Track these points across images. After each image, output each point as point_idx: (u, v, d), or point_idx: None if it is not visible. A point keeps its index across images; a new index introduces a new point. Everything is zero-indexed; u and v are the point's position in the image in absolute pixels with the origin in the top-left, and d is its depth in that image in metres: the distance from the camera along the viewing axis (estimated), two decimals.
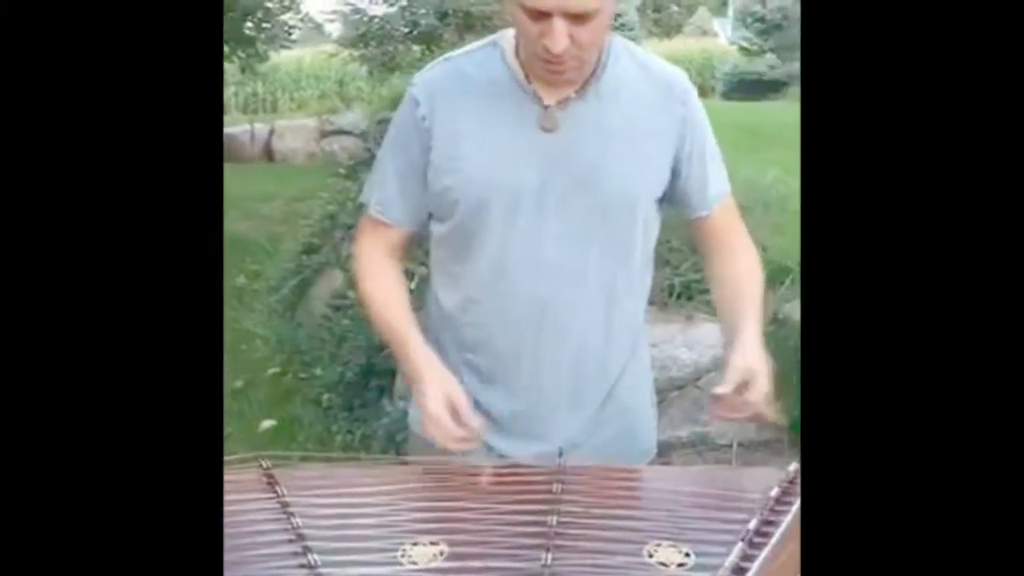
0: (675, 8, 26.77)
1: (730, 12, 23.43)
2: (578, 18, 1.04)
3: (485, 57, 1.20)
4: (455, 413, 1.11)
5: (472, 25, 8.31)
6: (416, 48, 8.32)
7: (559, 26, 1.04)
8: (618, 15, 11.65)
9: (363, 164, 4.56)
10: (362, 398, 2.81)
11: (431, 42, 8.02)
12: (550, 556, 0.86)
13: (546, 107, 1.16)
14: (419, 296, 1.51)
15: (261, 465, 1.05)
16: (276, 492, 0.99)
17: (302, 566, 0.85)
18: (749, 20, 15.32)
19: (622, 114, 1.18)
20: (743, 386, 1.11)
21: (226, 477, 1.06)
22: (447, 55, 1.25)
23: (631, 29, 11.33)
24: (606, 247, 1.19)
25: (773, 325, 2.16)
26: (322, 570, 0.84)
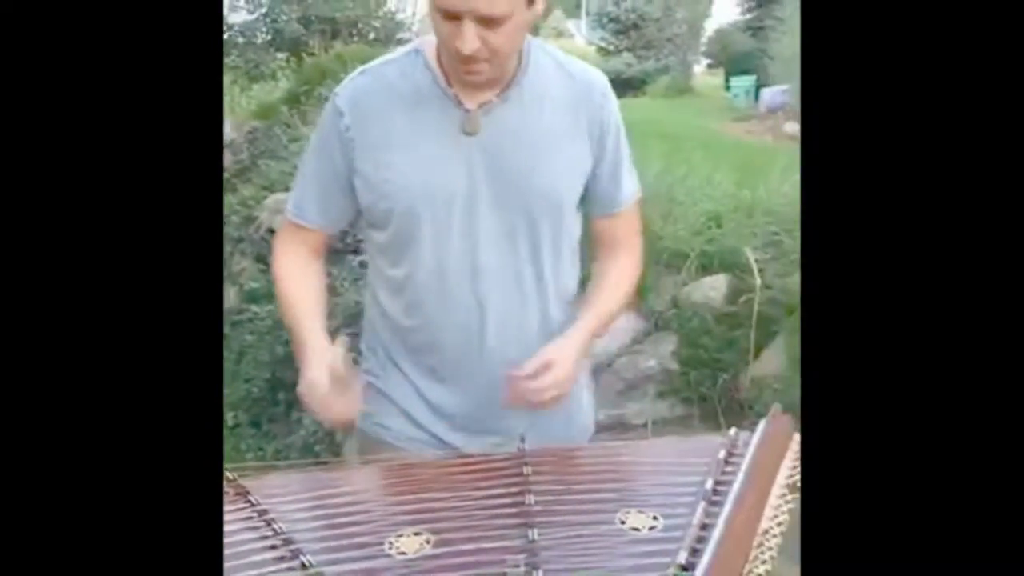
0: None
1: (583, 13, 24.15)
2: (488, 22, 1.08)
3: (408, 64, 1.23)
4: (338, 382, 1.14)
5: (338, 32, 8.22)
6: (280, 56, 8.15)
7: (469, 28, 1.08)
8: None
9: (236, 176, 4.44)
10: (270, 413, 2.76)
11: (296, 49, 7.88)
12: (535, 531, 0.91)
13: (467, 111, 1.20)
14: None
15: (228, 477, 1.05)
16: (250, 502, 0.99)
17: (301, 566, 0.86)
18: (605, 20, 15.85)
19: (544, 116, 1.23)
20: (542, 367, 1.18)
21: None
22: (368, 64, 1.27)
23: None
24: (536, 246, 1.25)
25: (674, 308, 2.29)
26: (320, 568, 0.85)
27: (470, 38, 1.08)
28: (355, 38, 8.24)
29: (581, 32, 22.86)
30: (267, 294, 2.93)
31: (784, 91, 7.14)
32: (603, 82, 1.29)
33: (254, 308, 2.93)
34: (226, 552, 0.91)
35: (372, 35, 8.94)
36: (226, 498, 1.02)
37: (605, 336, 2.53)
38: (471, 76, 1.15)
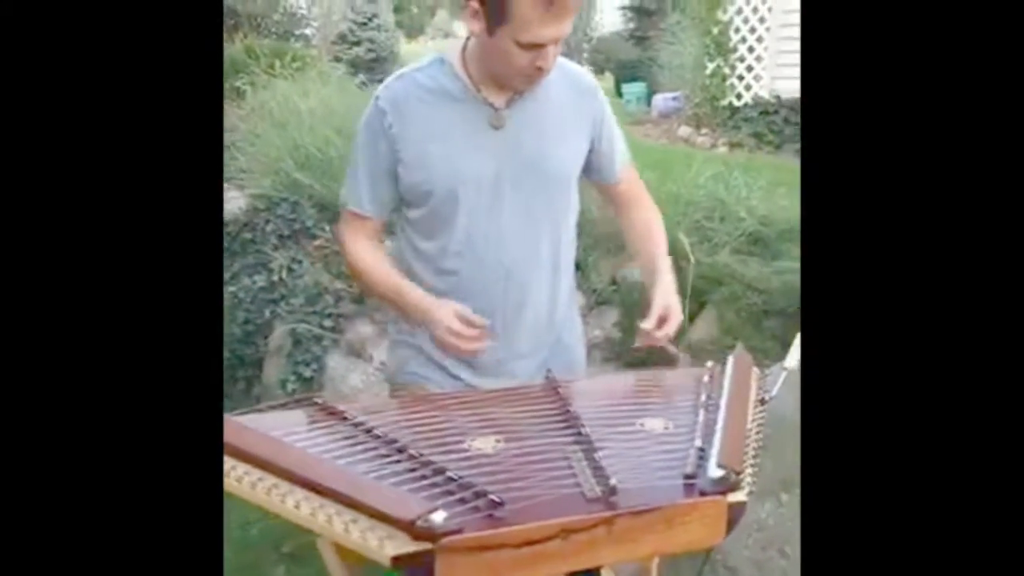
0: (415, 10, 27.40)
1: None
2: (558, 42, 1.35)
3: (435, 71, 1.47)
4: (464, 320, 1.38)
5: (240, 24, 8.15)
6: None
7: (551, 51, 1.34)
8: (374, 16, 11.61)
9: None
10: (230, 391, 2.88)
11: None
12: (586, 428, 1.16)
13: (496, 109, 1.45)
14: None
15: (316, 402, 1.25)
16: (346, 417, 1.20)
17: (410, 458, 1.08)
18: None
19: (552, 110, 1.49)
20: (662, 319, 1.46)
21: (286, 415, 1.26)
22: (401, 71, 1.50)
23: (387, 30, 11.55)
24: (551, 219, 1.51)
25: (613, 287, 2.59)
26: (429, 458, 1.07)
27: (552, 59, 1.35)
28: (257, 32, 8.20)
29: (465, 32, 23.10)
30: None
31: (675, 97, 7.62)
32: (591, 78, 1.57)
33: None
34: (348, 458, 1.10)
35: (273, 29, 8.91)
36: (320, 418, 1.22)
37: None
38: (533, 84, 1.40)
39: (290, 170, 3.38)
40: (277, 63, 5.43)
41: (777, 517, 2.01)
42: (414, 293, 1.44)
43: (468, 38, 1.44)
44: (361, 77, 7.08)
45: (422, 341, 1.52)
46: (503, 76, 1.41)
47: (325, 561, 1.21)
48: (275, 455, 1.06)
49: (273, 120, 4.08)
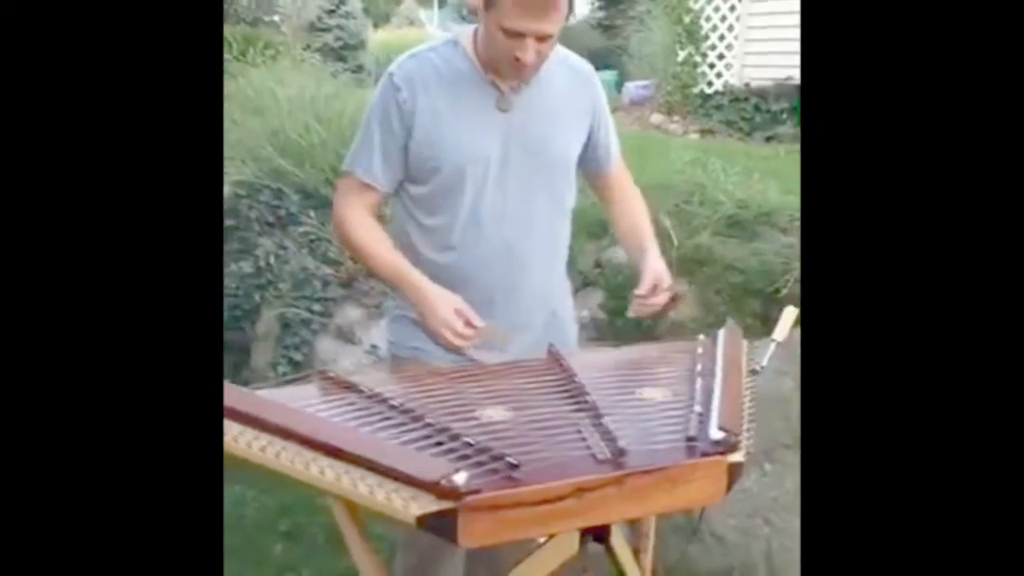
0: None
1: (435, 2, 24.42)
2: (543, 39, 1.40)
3: (447, 52, 1.52)
4: (462, 317, 1.43)
5: None
6: None
7: (531, 44, 1.39)
8: (341, 3, 11.49)
9: None
10: None
11: None
12: (592, 397, 1.22)
13: (502, 93, 1.50)
14: None
15: (330, 376, 1.29)
16: (360, 389, 1.25)
17: (426, 426, 1.13)
18: (464, 12, 16.20)
19: (556, 96, 1.55)
20: (654, 286, 1.53)
21: (299, 388, 1.31)
22: (414, 49, 1.54)
23: (355, 18, 11.49)
24: (551, 199, 1.56)
25: (597, 269, 2.65)
26: (448, 425, 1.12)
27: (531, 52, 1.39)
28: (225, 18, 8.14)
29: (433, 23, 23.03)
30: None
31: (646, 86, 7.70)
32: (590, 68, 1.63)
33: None
34: (367, 427, 1.15)
35: (242, 15, 8.85)
36: (335, 390, 1.26)
37: None
38: (520, 76, 1.45)
39: (271, 157, 3.39)
40: (250, 50, 5.41)
41: (761, 486, 2.09)
42: (414, 276, 1.48)
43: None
44: (331, 65, 7.06)
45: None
46: (491, 60, 1.46)
47: (341, 528, 1.25)
48: (299, 424, 1.10)
49: (251, 107, 4.08)
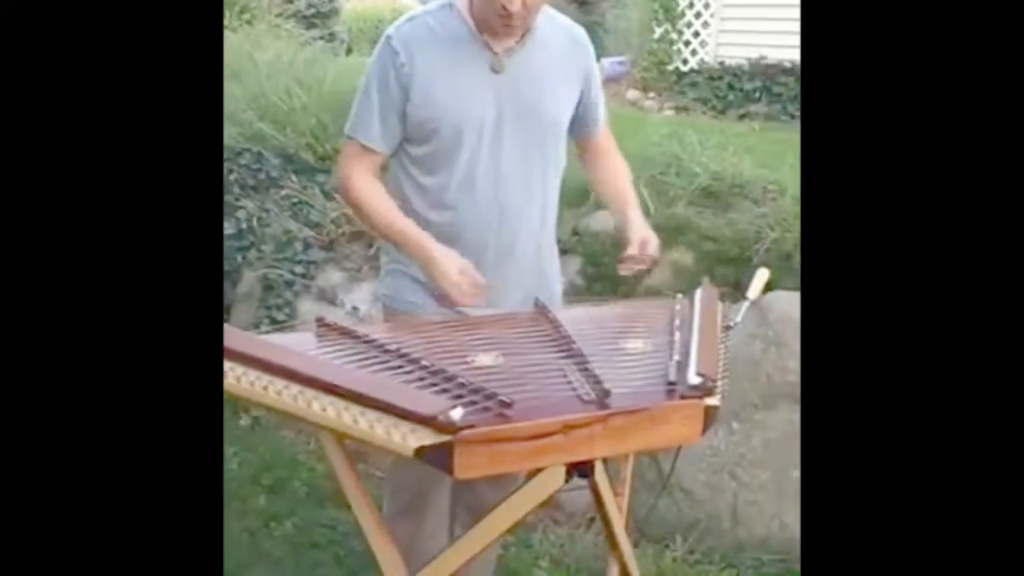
0: None
1: None
2: None
3: (443, 15, 1.56)
4: (465, 275, 1.48)
5: None
6: None
7: None
8: None
9: None
10: None
11: None
12: (577, 345, 1.29)
13: (496, 54, 1.55)
14: None
15: (326, 323, 1.35)
16: (359, 336, 1.30)
17: (422, 367, 1.19)
18: None
19: (549, 59, 1.60)
20: (643, 245, 1.60)
21: (296, 335, 1.36)
22: (410, 13, 1.58)
23: None
24: (543, 161, 1.62)
25: (575, 237, 2.72)
26: (448, 370, 1.18)
27: (517, 2, 1.43)
28: None
29: None
30: None
31: (622, 62, 7.75)
32: (582, 33, 1.67)
33: None
34: (374, 370, 1.21)
35: None
36: (334, 336, 1.32)
37: None
38: (508, 28, 1.49)
39: (251, 120, 3.40)
40: (226, 14, 5.36)
41: (729, 443, 2.19)
42: (418, 235, 1.53)
43: None
44: (302, 32, 7.03)
45: (417, 271, 1.62)
46: (483, 17, 1.51)
47: (332, 464, 1.31)
48: (304, 365, 1.16)
49: (228, 71, 4.06)
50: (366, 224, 1.72)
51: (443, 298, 1.52)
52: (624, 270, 1.62)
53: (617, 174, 1.75)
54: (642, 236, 1.60)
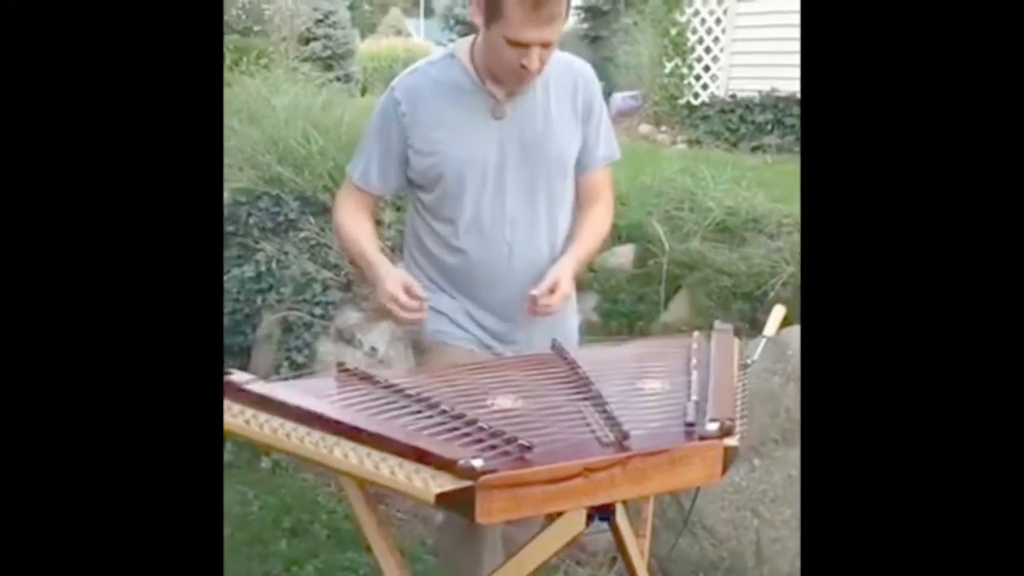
0: (367, 7, 27.35)
1: (421, 13, 24.57)
2: (547, 46, 1.49)
3: (445, 65, 1.61)
4: (408, 292, 1.51)
5: None
6: None
7: (536, 53, 1.47)
8: (329, 14, 11.55)
9: None
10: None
11: None
12: (595, 387, 1.30)
13: (497, 101, 1.58)
14: None
15: (347, 368, 1.36)
16: (376, 381, 1.32)
17: (442, 412, 1.20)
18: (452, 22, 16.34)
19: (551, 100, 1.63)
20: (552, 289, 1.56)
21: (317, 381, 1.38)
22: (414, 65, 1.64)
23: (343, 28, 11.57)
24: (550, 200, 1.65)
25: (591, 273, 2.73)
26: (468, 414, 1.19)
27: (536, 60, 1.47)
28: None
29: (419, 32, 23.14)
30: None
31: (633, 96, 7.82)
32: (588, 70, 1.70)
33: None
34: (395, 414, 1.22)
35: (232, 24, 8.94)
36: (353, 382, 1.34)
37: None
38: (523, 84, 1.53)
39: (269, 164, 3.46)
40: (244, 60, 5.48)
41: (750, 480, 2.17)
42: (372, 253, 1.60)
43: (477, 35, 1.57)
44: (319, 74, 7.15)
45: (437, 302, 1.63)
46: (495, 71, 1.55)
47: (354, 508, 1.32)
48: (324, 411, 1.18)
49: (248, 115, 4.14)
50: (343, 251, 1.78)
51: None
52: (528, 311, 1.58)
53: (586, 219, 1.70)
54: (554, 279, 1.57)
